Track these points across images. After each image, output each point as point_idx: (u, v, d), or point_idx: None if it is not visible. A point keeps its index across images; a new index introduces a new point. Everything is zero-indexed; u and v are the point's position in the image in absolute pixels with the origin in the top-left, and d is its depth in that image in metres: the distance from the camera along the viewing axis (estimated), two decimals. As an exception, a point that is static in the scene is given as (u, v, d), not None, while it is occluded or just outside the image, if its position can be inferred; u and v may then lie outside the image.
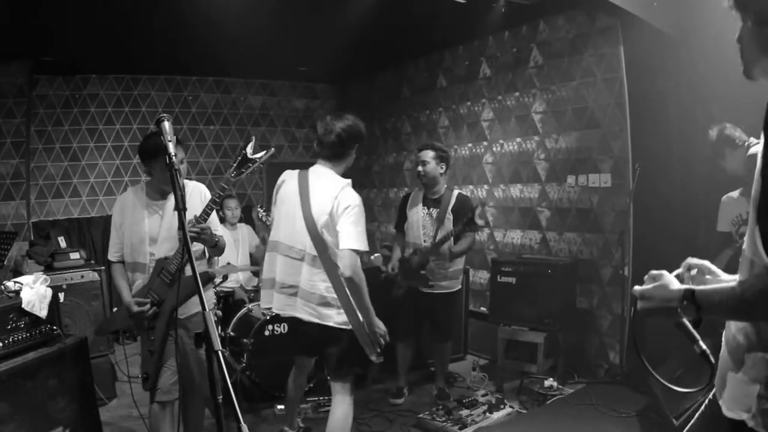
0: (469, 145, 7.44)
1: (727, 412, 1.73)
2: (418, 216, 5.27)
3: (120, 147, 8.05)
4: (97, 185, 8.00)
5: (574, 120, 6.09)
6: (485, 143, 7.21)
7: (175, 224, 3.70)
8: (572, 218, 6.18)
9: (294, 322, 3.85)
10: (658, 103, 5.49)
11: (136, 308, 3.61)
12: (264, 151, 3.57)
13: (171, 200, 3.74)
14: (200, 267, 3.80)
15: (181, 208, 2.23)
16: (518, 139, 6.75)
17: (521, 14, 6.11)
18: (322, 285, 3.67)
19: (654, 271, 1.82)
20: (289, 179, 3.89)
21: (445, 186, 5.36)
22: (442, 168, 5.27)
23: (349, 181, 3.76)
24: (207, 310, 2.04)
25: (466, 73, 7.46)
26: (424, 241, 5.22)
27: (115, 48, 6.75)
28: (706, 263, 1.93)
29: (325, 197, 3.65)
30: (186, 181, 3.81)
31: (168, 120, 2.37)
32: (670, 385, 1.96)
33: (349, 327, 3.71)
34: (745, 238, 1.66)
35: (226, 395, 1.94)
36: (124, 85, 8.20)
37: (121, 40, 6.44)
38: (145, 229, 3.73)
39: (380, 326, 3.75)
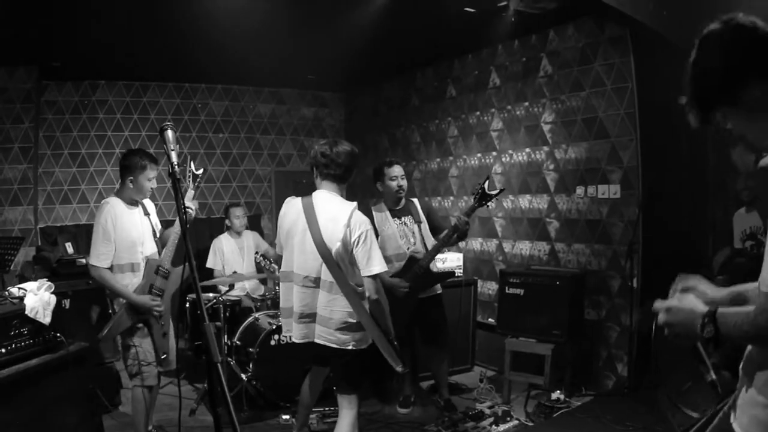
0: (478, 155, 7.41)
1: None
2: (393, 229, 5.21)
3: None
4: (106, 192, 7.93)
5: (583, 130, 6.05)
6: (494, 153, 7.17)
7: (149, 228, 4.44)
8: (581, 229, 6.13)
9: (309, 345, 3.83)
10: (669, 113, 5.42)
11: (154, 302, 4.18)
12: (202, 170, 4.50)
13: (140, 207, 4.43)
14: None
15: (183, 216, 2.24)
16: (527, 150, 6.72)
17: (531, 23, 6.08)
18: (342, 310, 3.69)
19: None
20: (291, 209, 3.88)
21: None
22: None
23: (356, 204, 3.80)
24: (207, 321, 2.03)
25: (475, 83, 7.43)
26: (408, 248, 5.19)
27: (124, 54, 6.77)
28: (699, 283, 1.94)
29: (335, 224, 3.68)
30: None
31: (171, 129, 2.41)
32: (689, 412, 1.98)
33: (362, 347, 3.76)
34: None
35: (225, 406, 1.91)
36: (133, 91, 8.21)
37: (130, 47, 6.45)
38: (134, 235, 4.27)
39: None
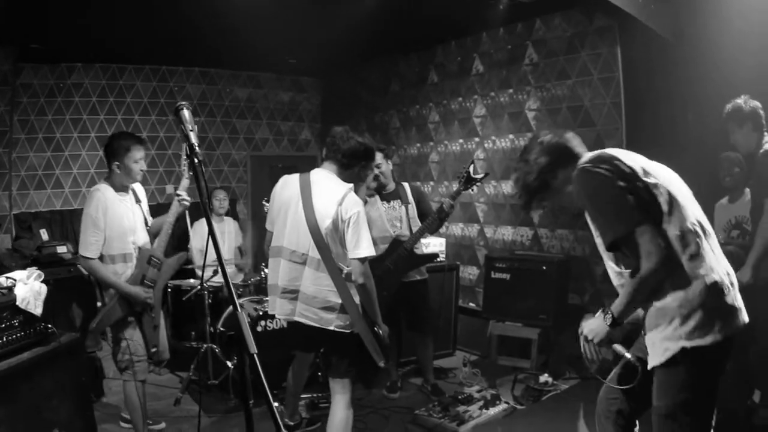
0: (460, 140, 7.44)
1: (664, 356, 2.46)
2: (380, 212, 5.22)
3: (104, 138, 7.67)
4: (80, 176, 7.82)
5: (569, 118, 6.11)
6: (477, 139, 7.21)
7: (141, 216, 4.32)
8: (565, 215, 6.21)
9: (293, 325, 3.81)
10: (653, 104, 5.53)
11: (147, 294, 4.10)
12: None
13: (131, 194, 4.30)
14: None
15: (205, 201, 2.16)
16: (511, 136, 6.76)
17: (517, 12, 6.10)
18: (327, 289, 3.65)
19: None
20: (288, 184, 3.85)
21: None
22: (390, 165, 5.39)
23: (351, 185, 3.77)
24: (240, 310, 2.00)
25: (458, 69, 7.44)
26: (394, 232, 5.20)
27: (101, 37, 6.61)
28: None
29: (328, 201, 3.64)
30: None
31: (188, 108, 2.24)
32: (606, 383, 3.00)
33: (348, 331, 3.71)
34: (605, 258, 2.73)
35: (266, 400, 1.89)
36: (110, 74, 8.01)
37: (107, 29, 6.30)
38: (126, 224, 4.13)
39: (384, 329, 3.85)
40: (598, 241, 2.61)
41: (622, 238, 2.43)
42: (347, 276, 3.68)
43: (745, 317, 2.48)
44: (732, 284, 2.50)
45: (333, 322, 3.68)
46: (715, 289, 2.42)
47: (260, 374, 1.93)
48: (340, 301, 3.65)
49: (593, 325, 2.63)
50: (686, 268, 2.43)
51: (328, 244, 3.63)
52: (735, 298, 2.48)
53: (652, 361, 2.53)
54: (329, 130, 3.90)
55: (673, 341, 2.42)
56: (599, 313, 2.61)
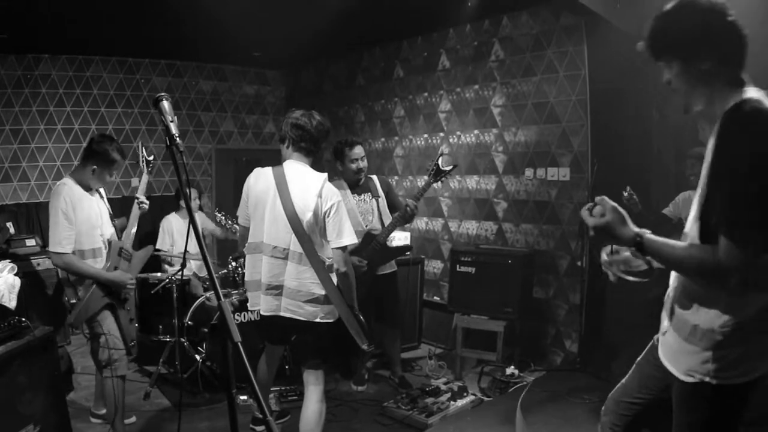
0: (425, 135, 7.49)
1: (686, 378, 2.06)
2: (351, 205, 5.21)
3: (70, 130, 7.77)
4: (47, 169, 7.69)
5: (534, 114, 6.20)
6: (442, 134, 7.27)
7: (106, 210, 4.34)
8: (529, 210, 6.31)
9: (268, 318, 3.78)
10: (618, 101, 5.65)
11: (127, 276, 4.16)
12: (152, 156, 4.89)
13: (95, 193, 4.28)
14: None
15: (186, 192, 2.17)
16: (476, 131, 6.83)
17: (484, 9, 6.17)
18: (311, 282, 3.65)
19: (608, 202, 2.12)
20: (261, 177, 3.78)
21: None
22: None
23: (326, 175, 3.75)
24: (222, 300, 2.01)
25: (424, 65, 7.48)
26: (366, 225, 5.23)
27: (70, 27, 6.49)
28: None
29: (307, 194, 3.62)
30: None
31: (167, 99, 2.24)
32: (624, 276, 2.26)
33: (328, 320, 3.73)
34: (689, 223, 2.10)
35: (251, 388, 1.91)
36: (76, 66, 7.88)
37: (76, 19, 6.19)
38: (93, 218, 4.13)
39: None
40: (697, 194, 2.03)
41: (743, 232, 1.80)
42: (329, 267, 3.69)
43: None
44: None
45: (318, 315, 3.68)
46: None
47: (245, 363, 1.96)
48: (323, 292, 3.66)
49: (613, 232, 2.07)
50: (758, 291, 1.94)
51: (309, 237, 3.62)
52: None
53: (670, 365, 2.17)
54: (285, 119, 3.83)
55: (699, 372, 2.02)
56: (628, 223, 2.05)
